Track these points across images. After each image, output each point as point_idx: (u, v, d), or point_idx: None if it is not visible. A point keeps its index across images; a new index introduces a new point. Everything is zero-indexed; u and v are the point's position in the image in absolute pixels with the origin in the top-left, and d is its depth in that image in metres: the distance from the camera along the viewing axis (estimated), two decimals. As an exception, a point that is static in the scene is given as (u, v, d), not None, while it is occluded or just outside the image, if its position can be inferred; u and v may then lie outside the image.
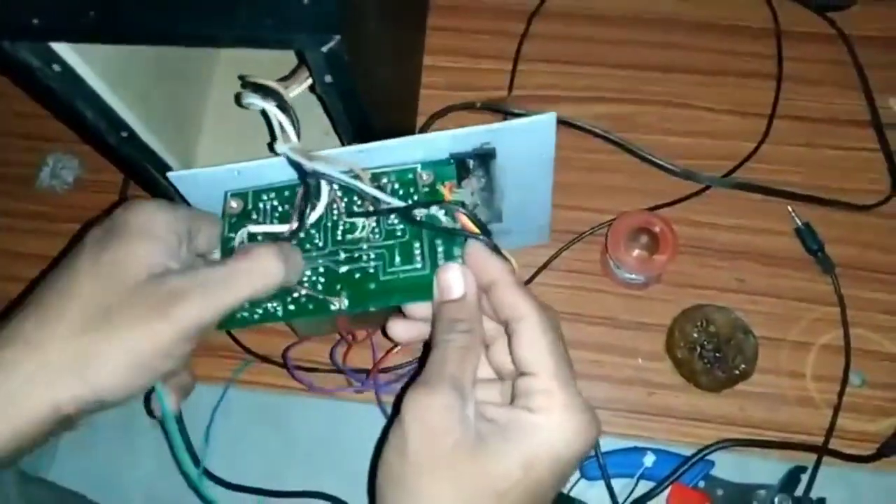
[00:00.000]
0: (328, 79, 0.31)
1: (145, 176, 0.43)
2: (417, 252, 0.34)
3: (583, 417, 0.28)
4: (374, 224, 0.35)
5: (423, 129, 0.52)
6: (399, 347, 0.44)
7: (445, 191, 0.34)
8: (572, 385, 0.28)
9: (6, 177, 0.55)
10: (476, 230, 0.32)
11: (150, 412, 0.31)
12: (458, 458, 0.26)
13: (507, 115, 0.52)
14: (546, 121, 0.35)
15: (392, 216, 0.34)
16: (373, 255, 0.34)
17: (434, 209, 0.34)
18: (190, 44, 0.31)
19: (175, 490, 0.44)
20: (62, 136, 0.53)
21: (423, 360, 0.30)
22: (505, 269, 0.30)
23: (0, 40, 0.31)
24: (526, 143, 0.36)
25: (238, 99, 0.37)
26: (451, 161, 0.35)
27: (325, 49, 0.29)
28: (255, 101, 0.35)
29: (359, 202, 0.35)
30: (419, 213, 0.34)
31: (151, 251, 0.29)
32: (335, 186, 0.35)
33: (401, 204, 0.34)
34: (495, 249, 0.31)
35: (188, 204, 0.37)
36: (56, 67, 0.34)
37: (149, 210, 0.30)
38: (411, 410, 0.27)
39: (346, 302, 0.33)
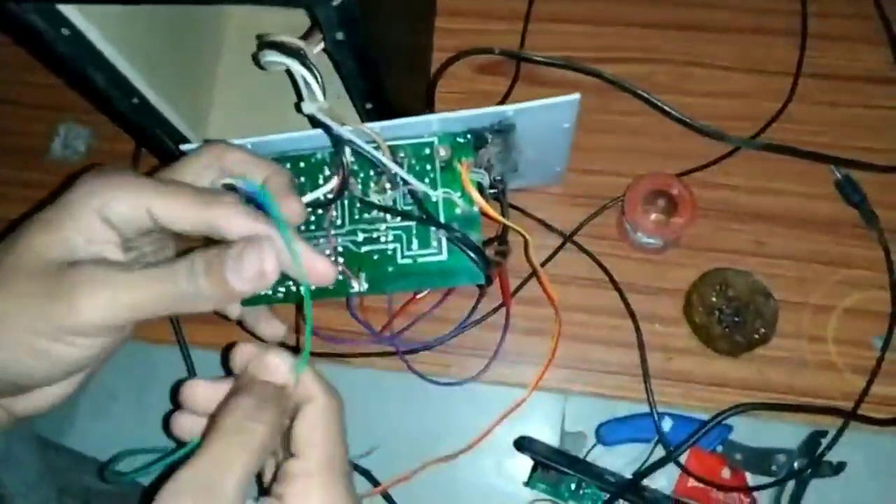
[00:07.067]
0: (340, 36, 0.30)
1: (157, 144, 0.43)
2: (434, 235, 0.34)
3: None
4: (391, 203, 0.34)
5: (442, 70, 0.51)
6: (422, 295, 0.45)
7: (463, 169, 0.34)
8: (341, 477, 0.27)
9: (18, 147, 0.54)
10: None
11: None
12: None
13: (524, 60, 0.51)
14: (569, 102, 0.34)
15: (407, 194, 0.34)
16: (391, 237, 0.34)
17: (451, 194, 0.34)
18: (196, 1, 0.30)
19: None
20: (74, 105, 0.52)
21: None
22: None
23: (5, 1, 0.31)
24: (547, 118, 0.35)
25: (256, 59, 0.35)
26: (469, 136, 0.34)
27: (335, 3, 0.28)
28: (277, 58, 0.34)
29: (375, 178, 0.35)
30: (436, 196, 0.34)
31: (65, 238, 0.27)
32: (346, 163, 0.34)
33: (421, 188, 0.34)
34: None
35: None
36: (65, 31, 0.33)
37: (100, 191, 0.28)
38: None
39: (365, 285, 0.34)
